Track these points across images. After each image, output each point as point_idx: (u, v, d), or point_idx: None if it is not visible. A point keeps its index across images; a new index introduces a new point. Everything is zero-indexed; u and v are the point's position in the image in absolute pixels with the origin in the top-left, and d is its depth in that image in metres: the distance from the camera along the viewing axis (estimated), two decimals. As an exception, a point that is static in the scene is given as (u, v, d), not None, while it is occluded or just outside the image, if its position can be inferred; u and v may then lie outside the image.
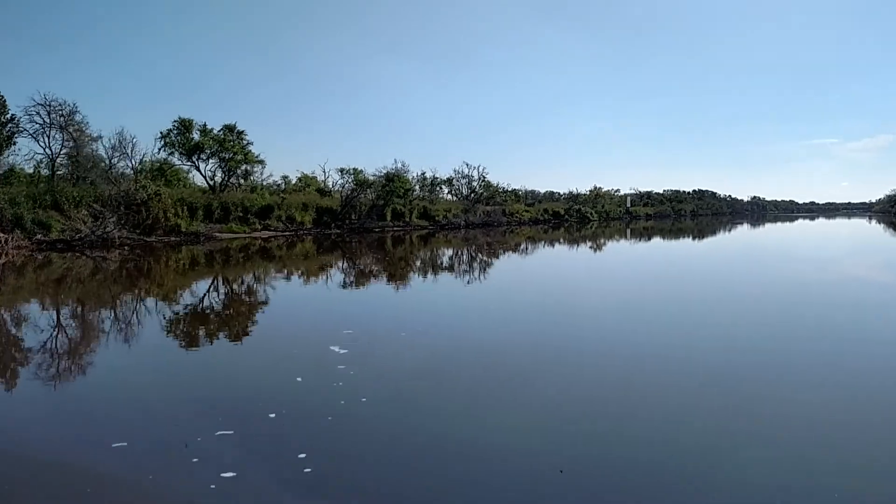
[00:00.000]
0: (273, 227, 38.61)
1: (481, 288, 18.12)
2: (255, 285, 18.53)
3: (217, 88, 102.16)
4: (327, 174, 51.75)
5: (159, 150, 37.20)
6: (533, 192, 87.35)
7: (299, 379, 7.40)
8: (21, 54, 78.28)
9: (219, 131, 37.77)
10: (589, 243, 41.29)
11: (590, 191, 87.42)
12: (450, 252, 32.82)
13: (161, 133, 36.67)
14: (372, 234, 44.29)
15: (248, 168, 39.90)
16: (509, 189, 72.76)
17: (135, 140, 42.16)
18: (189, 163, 37.83)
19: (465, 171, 62.87)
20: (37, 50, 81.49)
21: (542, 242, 42.59)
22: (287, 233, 38.97)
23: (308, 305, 15.14)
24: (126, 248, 26.93)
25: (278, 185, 49.99)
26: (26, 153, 29.24)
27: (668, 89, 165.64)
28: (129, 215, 28.99)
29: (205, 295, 16.57)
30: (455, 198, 64.05)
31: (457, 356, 9.08)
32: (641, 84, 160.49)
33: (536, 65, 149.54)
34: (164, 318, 12.97)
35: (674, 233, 58.31)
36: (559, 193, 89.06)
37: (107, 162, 32.16)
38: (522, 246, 38.15)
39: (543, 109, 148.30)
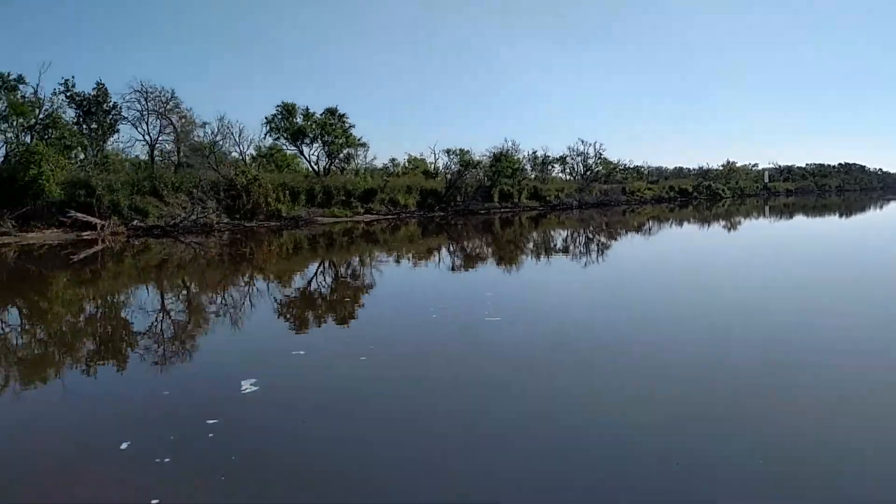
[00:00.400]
0: (375, 211, 38.30)
1: (600, 271, 16.80)
2: (363, 269, 18.04)
3: (326, 71, 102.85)
4: (437, 156, 50.96)
5: (265, 135, 37.92)
6: (659, 168, 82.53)
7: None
8: (121, 42, 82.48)
9: (321, 115, 37.86)
10: (721, 222, 38.06)
11: (722, 166, 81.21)
12: (563, 233, 31.16)
13: (266, 118, 37.31)
14: (477, 216, 42.99)
15: (351, 152, 39.80)
16: (630, 166, 69.03)
17: (242, 127, 43.33)
18: (293, 147, 38.32)
19: (581, 147, 60.02)
20: (136, 38, 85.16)
21: (668, 222, 39.68)
22: (389, 216, 38.58)
23: (413, 289, 14.54)
24: (225, 233, 27.44)
25: (385, 168, 49.91)
26: (127, 140, 30.47)
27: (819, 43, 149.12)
28: (229, 201, 29.56)
29: (313, 277, 16.40)
30: (570, 176, 61.47)
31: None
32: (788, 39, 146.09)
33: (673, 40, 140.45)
34: (275, 300, 12.90)
35: (817, 209, 52.95)
36: (688, 170, 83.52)
37: (208, 148, 33.03)
38: (645, 226, 35.67)
39: (672, 86, 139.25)
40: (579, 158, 59.86)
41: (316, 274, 17.17)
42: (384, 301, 12.61)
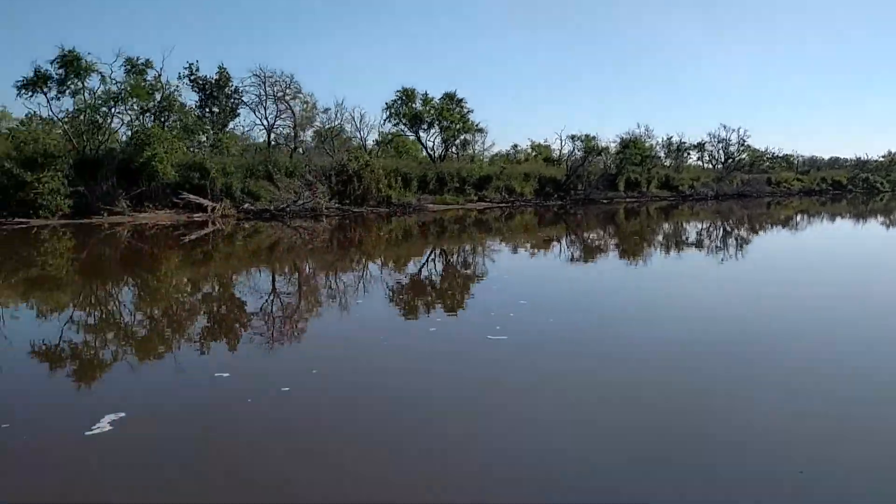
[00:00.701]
0: (489, 199, 37.06)
1: (740, 269, 14.92)
2: (474, 258, 17.14)
3: (448, 56, 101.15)
4: (563, 142, 48.71)
5: (384, 120, 37.70)
6: (813, 158, 75.03)
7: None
8: (242, 26, 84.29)
9: (439, 100, 37.04)
10: (881, 218, 33.61)
11: (883, 157, 72.43)
12: (697, 226, 28.55)
13: (386, 104, 37.00)
14: (598, 205, 40.66)
15: (468, 137, 38.72)
16: (779, 154, 63.07)
17: (364, 113, 43.37)
18: (411, 133, 37.80)
19: (722, 133, 55.36)
20: (258, 21, 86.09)
21: (819, 216, 35.56)
22: (503, 204, 37.16)
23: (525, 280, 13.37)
24: (335, 218, 27.30)
25: (507, 154, 48.42)
26: (247, 124, 31.07)
27: None
28: (340, 186, 29.41)
29: (423, 265, 15.76)
30: (709, 165, 57.03)
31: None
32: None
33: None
34: (387, 286, 12.50)
35: None
36: (844, 160, 75.35)
37: (327, 133, 33.16)
38: (792, 220, 32.11)
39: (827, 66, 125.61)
40: (720, 145, 55.36)
41: (427, 261, 16.30)
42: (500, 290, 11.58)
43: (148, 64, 26.99)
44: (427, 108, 36.56)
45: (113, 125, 23.49)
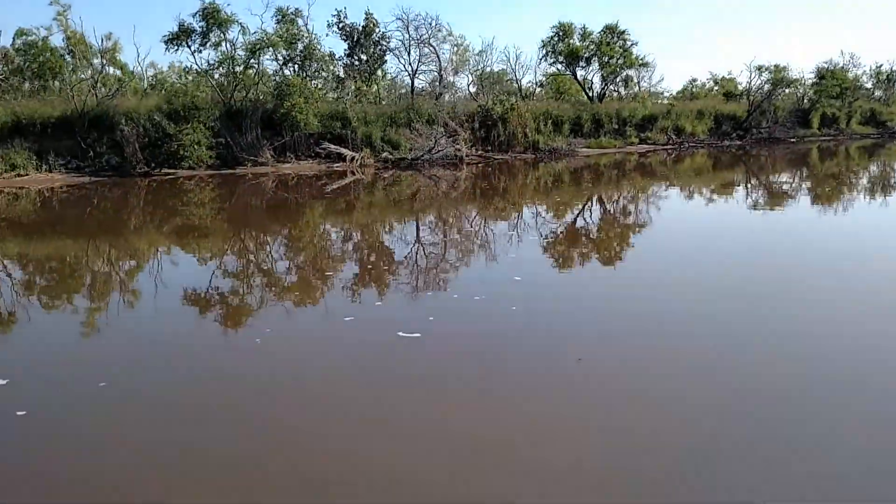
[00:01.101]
0: (652, 140, 33.73)
1: None
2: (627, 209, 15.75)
3: None
4: (752, 73, 42.86)
5: (540, 59, 35.33)
6: None
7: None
8: None
9: (599, 33, 33.92)
10: None
11: None
12: None
13: (542, 41, 34.54)
14: (786, 144, 35.75)
15: (630, 74, 35.25)
16: None
17: (519, 52, 41.20)
18: (567, 71, 35.10)
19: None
20: None
21: None
22: (668, 146, 33.67)
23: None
24: (479, 164, 26.10)
25: (684, 89, 43.86)
26: (395, 71, 30.20)
27: None
28: (483, 131, 27.98)
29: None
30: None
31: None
32: None
33: None
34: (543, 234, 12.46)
35: None
36: None
37: (478, 76, 31.66)
38: None
39: None
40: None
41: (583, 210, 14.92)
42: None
43: (297, 13, 27.07)
44: (586, 44, 33.66)
45: (255, 76, 23.65)
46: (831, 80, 39.36)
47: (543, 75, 36.50)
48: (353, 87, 26.64)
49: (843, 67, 43.64)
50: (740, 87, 41.62)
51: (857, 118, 40.97)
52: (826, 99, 39.28)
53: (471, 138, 27.39)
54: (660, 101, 37.20)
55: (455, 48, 31.46)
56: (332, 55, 26.85)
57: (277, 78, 24.01)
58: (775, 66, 39.05)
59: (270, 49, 23.51)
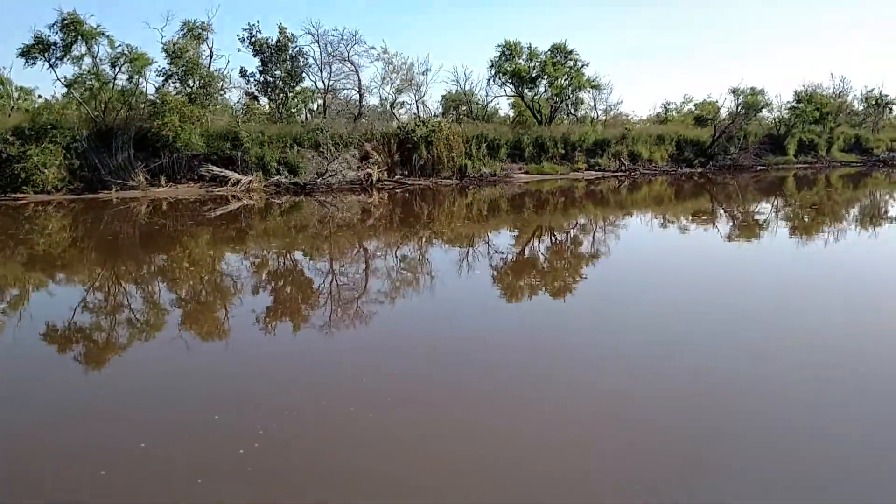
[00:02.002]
0: (603, 167, 31.26)
1: None
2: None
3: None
4: (726, 97, 40.15)
5: (489, 81, 33.17)
6: None
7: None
8: None
9: (546, 53, 31.72)
10: None
11: None
12: None
13: (491, 61, 32.41)
14: (752, 172, 33.08)
15: (581, 96, 32.92)
16: None
17: (469, 72, 39.30)
18: (515, 93, 32.87)
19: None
20: None
21: None
22: (619, 173, 31.16)
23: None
24: (394, 191, 23.90)
25: (659, 113, 41.41)
26: (309, 87, 28.03)
27: None
28: (404, 154, 25.80)
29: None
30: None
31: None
32: None
33: None
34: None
35: None
36: None
37: (390, 96, 29.60)
38: None
39: None
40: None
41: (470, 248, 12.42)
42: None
43: (204, 27, 25.36)
44: (532, 64, 31.47)
45: (128, 93, 21.74)
46: (808, 104, 36.67)
47: (491, 97, 34.27)
48: (247, 104, 24.60)
49: (833, 91, 41.08)
50: (723, 112, 39.13)
51: (838, 145, 38.10)
52: (804, 124, 36.55)
53: (386, 162, 25.23)
54: (614, 125, 34.70)
55: (391, 66, 29.61)
56: (217, 71, 24.75)
57: (155, 96, 22.02)
58: (751, 89, 36.66)
59: (132, 63, 21.48)
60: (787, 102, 37.96)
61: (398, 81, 29.98)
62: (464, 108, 35.66)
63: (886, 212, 19.95)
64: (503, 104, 35.28)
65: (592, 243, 14.53)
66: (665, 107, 41.96)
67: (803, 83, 43.60)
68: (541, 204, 22.08)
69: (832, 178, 31.78)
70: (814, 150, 36.92)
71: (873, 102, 42.03)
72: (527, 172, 29.06)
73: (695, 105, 40.48)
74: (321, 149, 23.88)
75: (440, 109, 35.74)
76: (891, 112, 43.45)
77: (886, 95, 42.29)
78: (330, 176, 22.62)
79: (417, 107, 29.74)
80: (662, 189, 27.97)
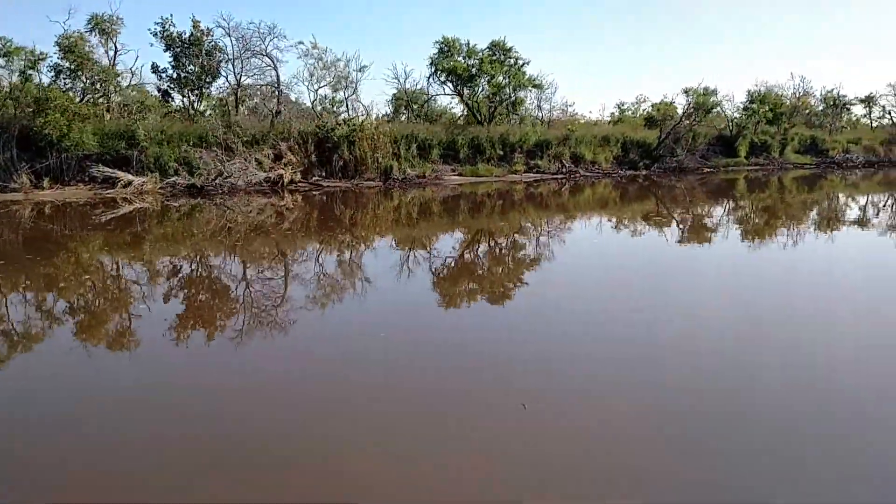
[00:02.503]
0: (543, 169, 30.11)
1: None
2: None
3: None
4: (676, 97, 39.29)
5: (428, 79, 31.92)
6: None
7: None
8: None
9: (483, 49, 30.56)
10: None
11: None
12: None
13: (430, 58, 31.22)
14: (698, 175, 32.05)
15: (521, 96, 31.69)
16: None
17: (409, 70, 38.23)
18: (454, 91, 31.69)
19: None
20: None
21: None
22: (559, 175, 29.99)
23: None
24: (311, 193, 22.63)
25: (613, 114, 40.46)
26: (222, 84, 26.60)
27: None
28: (324, 154, 24.52)
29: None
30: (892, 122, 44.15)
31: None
32: None
33: None
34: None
35: None
36: None
37: (328, 94, 28.31)
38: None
39: None
40: (896, 99, 42.49)
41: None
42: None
43: (112, 20, 24.03)
44: (470, 62, 30.28)
45: (11, 87, 20.31)
46: (762, 104, 35.74)
47: (430, 95, 33.00)
48: (142, 101, 23.20)
49: (793, 91, 40.30)
50: (679, 111, 38.13)
51: (793, 146, 37.17)
52: (754, 126, 35.62)
53: (303, 162, 23.95)
54: (570, 126, 33.54)
55: (321, 62, 28.27)
56: (108, 66, 23.32)
57: (41, 91, 20.54)
58: (705, 88, 35.70)
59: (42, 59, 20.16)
60: (741, 103, 37.10)
61: (331, 79, 28.66)
62: (415, 106, 34.53)
63: (838, 216, 18.95)
64: (457, 104, 33.90)
65: (531, 247, 13.56)
66: (619, 107, 41.07)
67: (756, 83, 43.04)
68: (476, 207, 20.91)
69: (785, 181, 30.86)
70: (766, 151, 35.97)
71: (831, 103, 41.21)
72: (460, 174, 27.86)
73: (652, 106, 39.48)
74: (232, 148, 22.56)
75: (390, 109, 34.64)
76: (849, 112, 42.68)
77: (844, 96, 41.53)
78: (231, 177, 21.25)
79: (347, 105, 28.36)
80: (606, 192, 26.88)
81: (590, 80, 70.14)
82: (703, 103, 34.31)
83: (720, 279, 10.28)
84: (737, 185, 29.11)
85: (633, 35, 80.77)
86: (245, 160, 22.27)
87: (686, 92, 35.36)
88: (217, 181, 21.16)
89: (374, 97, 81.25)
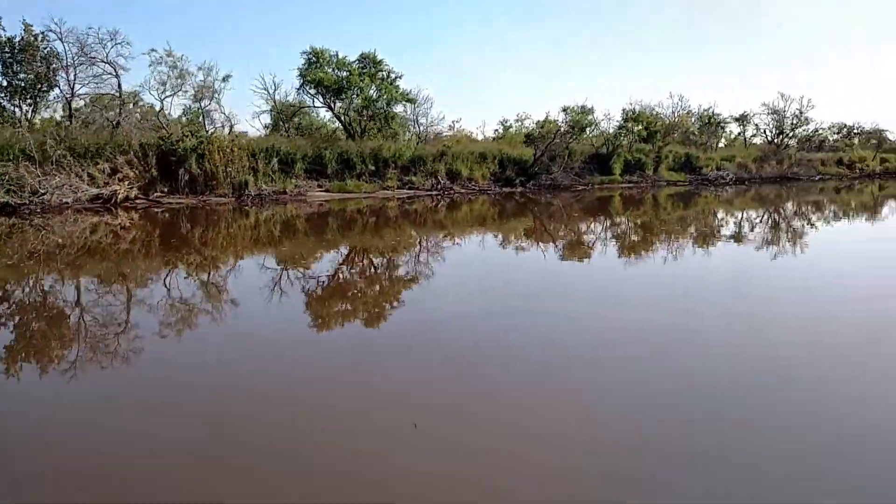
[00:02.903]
0: (417, 185, 29.44)
1: None
2: None
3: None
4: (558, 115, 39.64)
5: (298, 90, 30.75)
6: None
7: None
8: None
9: (354, 62, 29.72)
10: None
11: None
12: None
13: (299, 69, 30.02)
14: (572, 192, 32.16)
15: (393, 110, 30.96)
16: (864, 129, 50.92)
17: (278, 81, 36.96)
18: (322, 104, 30.64)
19: (780, 104, 44.17)
20: None
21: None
22: (433, 191, 29.39)
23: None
24: (155, 211, 20.96)
25: (497, 130, 40.39)
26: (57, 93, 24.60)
27: None
28: (168, 168, 22.92)
29: None
30: (766, 140, 46.05)
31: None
32: None
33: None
34: None
35: None
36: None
37: (190, 105, 26.75)
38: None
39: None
40: (769, 118, 44.47)
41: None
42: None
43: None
44: (338, 74, 29.32)
45: None
46: (636, 123, 36.45)
47: (297, 107, 31.78)
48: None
49: (672, 110, 41.51)
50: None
51: (667, 163, 38.08)
52: (627, 143, 36.28)
53: (144, 177, 22.24)
54: (446, 143, 33.05)
55: (176, 70, 26.54)
56: None
57: None
58: (583, 106, 36.09)
59: None
60: (617, 121, 37.73)
61: (188, 88, 26.99)
62: (296, 119, 33.24)
63: (713, 231, 18.94)
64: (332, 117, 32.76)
65: (408, 265, 12.54)
66: (503, 124, 41.08)
67: (630, 101, 44.16)
68: (345, 224, 19.83)
69: (659, 198, 31.31)
70: (641, 169, 36.62)
71: (706, 121, 42.63)
72: (327, 191, 26.74)
73: (536, 123, 39.63)
74: (62, 163, 20.61)
75: (269, 121, 33.21)
76: (723, 131, 44.30)
77: (719, 115, 43.07)
78: (48, 194, 19.33)
79: (203, 116, 26.76)
80: (484, 208, 26.39)
81: (480, 97, 70.60)
82: (578, 121, 34.64)
83: (593, 292, 9.79)
84: (612, 202, 29.24)
85: (528, 52, 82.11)
86: (77, 175, 20.37)
87: (565, 110, 35.69)
88: (33, 199, 19.16)
89: (244, 109, 74.19)
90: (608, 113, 38.01)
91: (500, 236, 17.48)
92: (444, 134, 37.79)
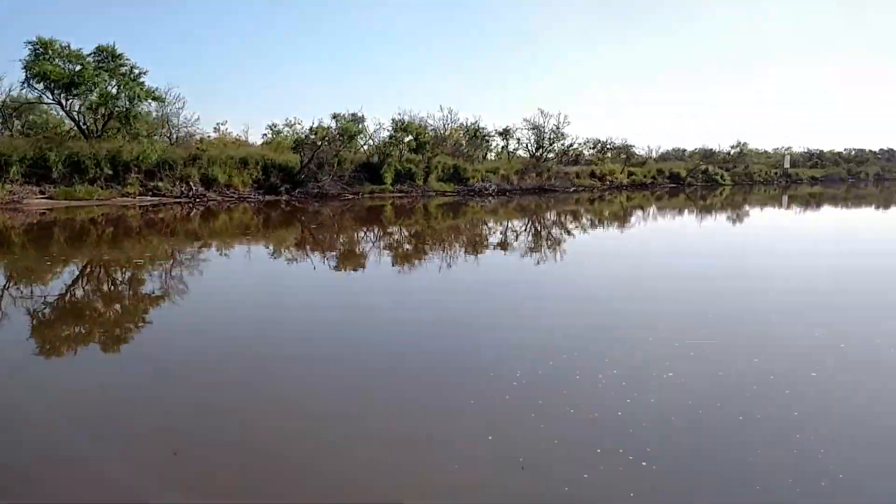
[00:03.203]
0: (164, 191, 26.97)
1: None
2: None
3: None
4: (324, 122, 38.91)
5: (23, 84, 26.74)
6: (676, 149, 69.41)
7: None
8: None
9: (88, 55, 26.57)
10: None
11: (731, 147, 66.81)
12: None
13: (24, 62, 26.07)
14: (340, 201, 31.58)
15: (132, 107, 28.12)
16: (615, 144, 55.92)
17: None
18: (52, 100, 27.02)
19: (539, 120, 47.07)
20: None
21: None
22: (182, 198, 27.15)
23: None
24: None
25: (265, 135, 38.60)
26: None
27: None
28: None
29: None
30: (527, 153, 48.90)
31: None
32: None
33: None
34: None
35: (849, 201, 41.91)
36: (686, 150, 69.88)
37: None
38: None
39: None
40: (530, 133, 47.35)
41: None
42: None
43: None
44: (55, 67, 25.86)
45: None
46: (405, 133, 36.84)
47: (17, 103, 27.81)
48: None
49: (443, 122, 42.57)
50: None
51: (436, 174, 38.93)
52: (397, 153, 36.60)
53: None
54: (200, 146, 30.74)
55: None
56: None
57: None
58: (353, 114, 35.67)
59: None
60: (387, 130, 37.88)
61: None
62: (31, 117, 28.86)
63: (482, 240, 19.02)
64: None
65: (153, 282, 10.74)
66: (272, 129, 39.41)
67: (400, 111, 45.07)
68: (77, 235, 17.13)
69: (430, 207, 31.66)
70: (411, 178, 37.04)
71: (472, 134, 44.37)
72: (51, 197, 23.44)
73: (310, 129, 38.43)
74: None
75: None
76: (488, 144, 46.42)
77: (484, 128, 45.06)
78: None
79: None
80: (246, 217, 24.72)
81: (259, 101, 68.24)
82: (348, 129, 34.20)
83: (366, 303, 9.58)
84: (384, 211, 29.05)
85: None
86: None
87: (335, 117, 35.06)
88: None
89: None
90: (380, 122, 37.79)
91: (275, 246, 16.52)
92: (212, 137, 35.46)
